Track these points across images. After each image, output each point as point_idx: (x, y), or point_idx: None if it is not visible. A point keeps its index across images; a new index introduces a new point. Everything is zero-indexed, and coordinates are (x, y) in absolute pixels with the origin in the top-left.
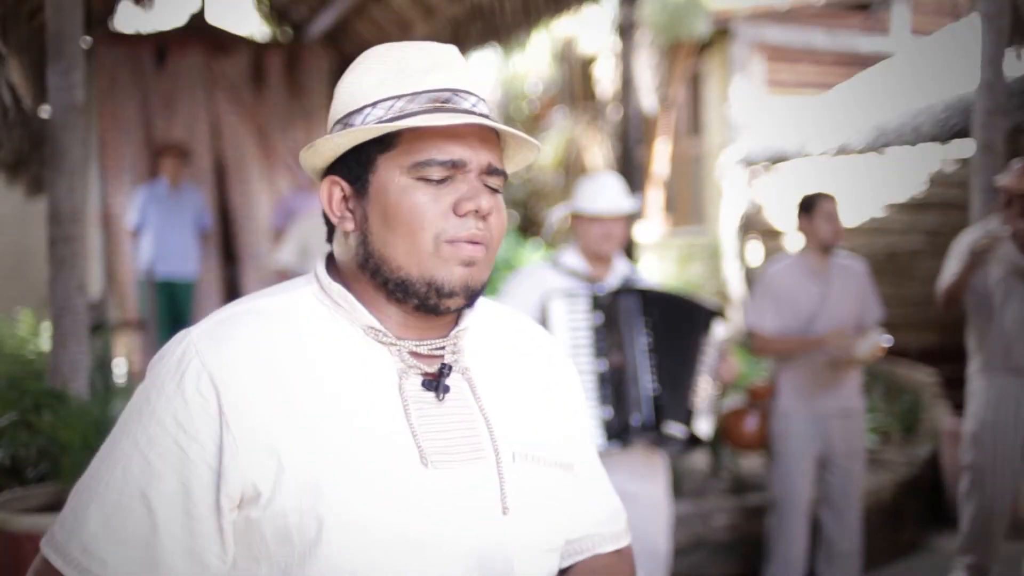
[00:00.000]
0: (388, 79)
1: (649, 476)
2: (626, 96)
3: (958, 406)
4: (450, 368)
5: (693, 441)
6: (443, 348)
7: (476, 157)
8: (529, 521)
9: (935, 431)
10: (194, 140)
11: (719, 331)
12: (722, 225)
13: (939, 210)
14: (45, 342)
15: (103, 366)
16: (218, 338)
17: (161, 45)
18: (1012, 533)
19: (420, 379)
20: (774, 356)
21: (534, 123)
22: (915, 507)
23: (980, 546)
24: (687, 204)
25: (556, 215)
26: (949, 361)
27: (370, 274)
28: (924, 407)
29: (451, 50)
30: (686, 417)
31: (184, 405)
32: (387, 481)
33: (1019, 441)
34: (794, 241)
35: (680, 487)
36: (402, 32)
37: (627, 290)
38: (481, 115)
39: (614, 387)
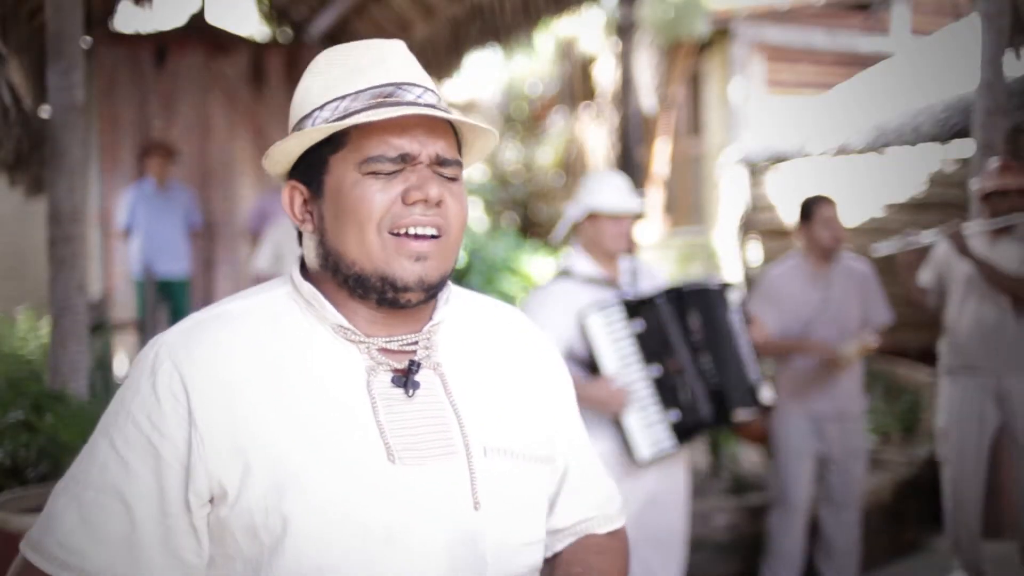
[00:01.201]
0: (335, 81)
1: (674, 474)
2: (626, 96)
3: None
4: (419, 364)
5: (763, 410)
6: (416, 344)
7: (424, 149)
8: (503, 516)
9: (935, 431)
10: (190, 140)
11: (736, 300)
12: (720, 225)
13: (939, 210)
14: (45, 342)
15: (103, 366)
16: (189, 341)
17: (161, 45)
18: (1005, 533)
19: (390, 376)
20: (772, 356)
21: (534, 123)
22: (915, 507)
23: (961, 544)
24: (687, 204)
25: (573, 214)
26: None
27: (331, 272)
28: (924, 407)
29: (395, 45)
30: (751, 396)
31: (157, 405)
32: (353, 478)
33: (985, 440)
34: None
35: None
36: (402, 32)
37: (661, 292)
38: (427, 105)
39: (675, 389)
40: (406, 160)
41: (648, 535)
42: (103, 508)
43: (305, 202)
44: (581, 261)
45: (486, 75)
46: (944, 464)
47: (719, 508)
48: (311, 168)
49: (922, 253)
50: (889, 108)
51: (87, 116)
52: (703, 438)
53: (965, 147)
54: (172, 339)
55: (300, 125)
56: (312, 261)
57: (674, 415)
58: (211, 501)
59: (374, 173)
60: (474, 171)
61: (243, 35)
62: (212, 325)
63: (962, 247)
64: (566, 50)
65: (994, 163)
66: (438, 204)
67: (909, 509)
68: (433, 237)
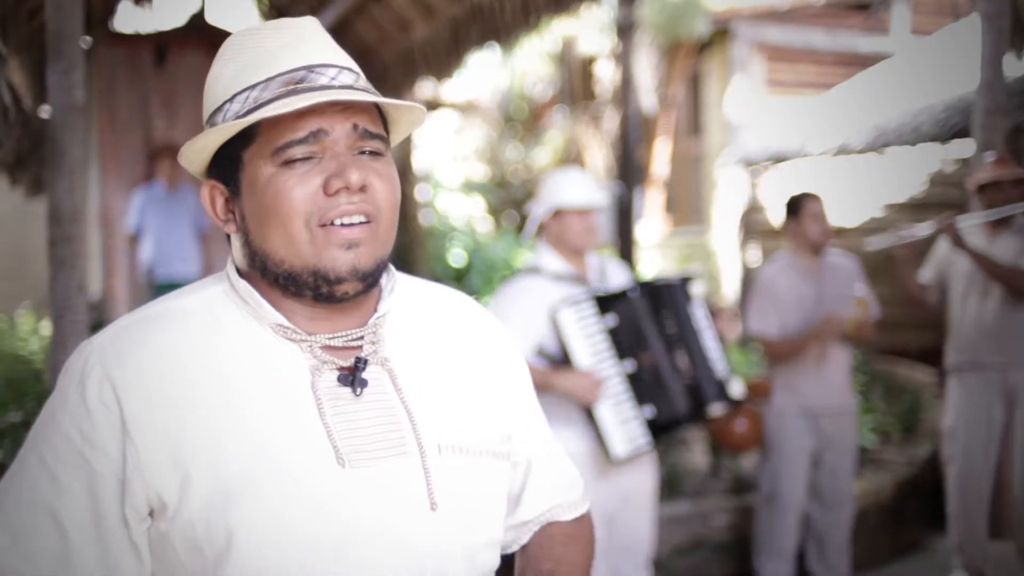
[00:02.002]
0: (244, 69)
1: (645, 472)
2: (626, 96)
3: None
4: (366, 361)
5: (734, 404)
6: (361, 339)
7: (339, 125)
8: (461, 515)
9: (935, 431)
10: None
11: (698, 293)
12: (720, 225)
13: (939, 210)
14: (45, 342)
15: None
16: (120, 345)
17: (161, 45)
18: (1006, 533)
19: (335, 375)
20: (785, 359)
21: (534, 123)
22: (915, 507)
23: (965, 543)
24: (687, 204)
25: (540, 211)
26: None
27: (260, 272)
28: (924, 407)
29: (306, 23)
30: (722, 391)
31: (87, 415)
32: (300, 484)
33: (993, 438)
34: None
35: (680, 487)
36: (402, 32)
37: (632, 287)
38: (342, 88)
39: (650, 386)
40: (316, 139)
41: (620, 536)
42: (35, 530)
43: (227, 201)
44: (549, 258)
45: (486, 75)
46: (949, 463)
47: (719, 508)
48: (227, 165)
49: (920, 248)
50: (889, 108)
51: (87, 116)
52: (702, 439)
53: (965, 147)
54: (102, 343)
55: (212, 120)
56: (240, 261)
57: (649, 411)
58: (151, 515)
59: (288, 163)
60: (474, 172)
61: None
62: (144, 327)
63: (956, 239)
64: (566, 50)
65: (988, 157)
66: (363, 189)
67: (909, 509)
68: (363, 223)
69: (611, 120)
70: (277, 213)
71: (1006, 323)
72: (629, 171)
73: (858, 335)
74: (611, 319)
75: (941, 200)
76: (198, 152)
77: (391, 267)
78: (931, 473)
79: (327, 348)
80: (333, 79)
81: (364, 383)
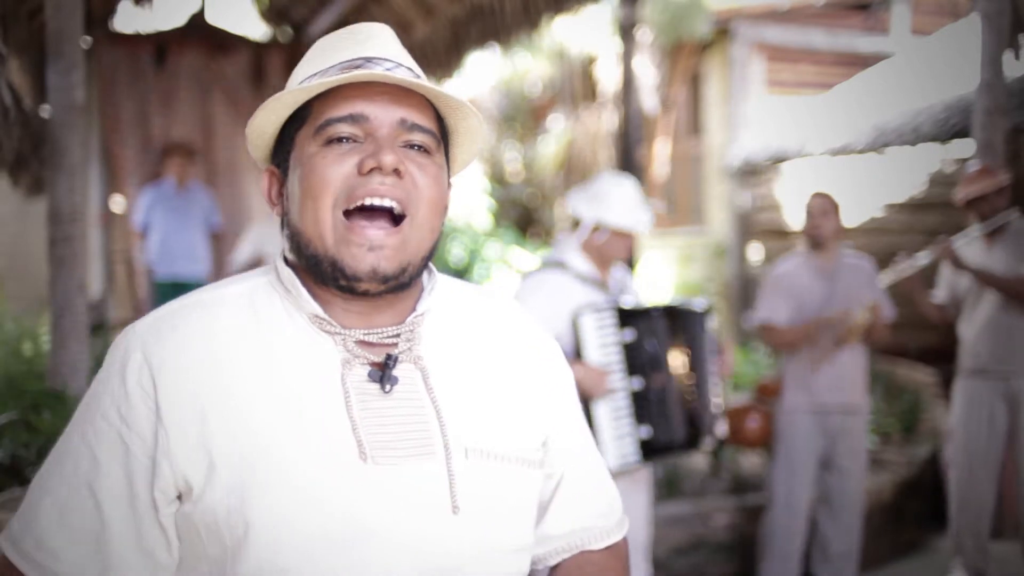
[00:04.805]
0: (311, 62)
1: (639, 481)
2: (626, 96)
3: None
4: (396, 358)
5: (717, 442)
6: (397, 336)
7: (384, 113)
8: (484, 521)
9: (935, 431)
10: (192, 140)
11: (712, 327)
12: (720, 225)
13: (939, 210)
14: (45, 342)
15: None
16: (161, 331)
17: (161, 45)
18: (1008, 533)
19: (366, 370)
20: (787, 346)
21: (534, 123)
22: (915, 507)
23: (966, 544)
24: (687, 204)
25: (588, 219)
26: (949, 361)
27: (297, 255)
28: (924, 407)
29: (377, 26)
30: (713, 426)
31: (126, 398)
32: (321, 477)
33: (995, 442)
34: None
35: (680, 487)
36: (402, 32)
37: (656, 307)
38: (388, 72)
39: (653, 406)
40: (356, 121)
41: None
42: (77, 505)
43: (280, 184)
44: (577, 258)
45: (486, 75)
46: (951, 465)
47: (719, 508)
48: (282, 149)
49: (926, 273)
50: (889, 108)
51: (87, 116)
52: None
53: (965, 147)
54: (144, 328)
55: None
56: (285, 247)
57: (645, 431)
58: (179, 498)
59: (330, 142)
60: (474, 171)
61: (243, 35)
62: (185, 314)
63: (955, 261)
64: (566, 50)
65: (970, 168)
66: (397, 173)
67: (909, 509)
68: (392, 218)
69: (612, 120)
70: (311, 188)
71: (1010, 331)
72: (629, 171)
73: (869, 336)
74: (629, 334)
75: (941, 200)
76: (260, 134)
77: (432, 267)
78: (931, 473)
79: (362, 343)
80: (388, 70)
81: (394, 380)
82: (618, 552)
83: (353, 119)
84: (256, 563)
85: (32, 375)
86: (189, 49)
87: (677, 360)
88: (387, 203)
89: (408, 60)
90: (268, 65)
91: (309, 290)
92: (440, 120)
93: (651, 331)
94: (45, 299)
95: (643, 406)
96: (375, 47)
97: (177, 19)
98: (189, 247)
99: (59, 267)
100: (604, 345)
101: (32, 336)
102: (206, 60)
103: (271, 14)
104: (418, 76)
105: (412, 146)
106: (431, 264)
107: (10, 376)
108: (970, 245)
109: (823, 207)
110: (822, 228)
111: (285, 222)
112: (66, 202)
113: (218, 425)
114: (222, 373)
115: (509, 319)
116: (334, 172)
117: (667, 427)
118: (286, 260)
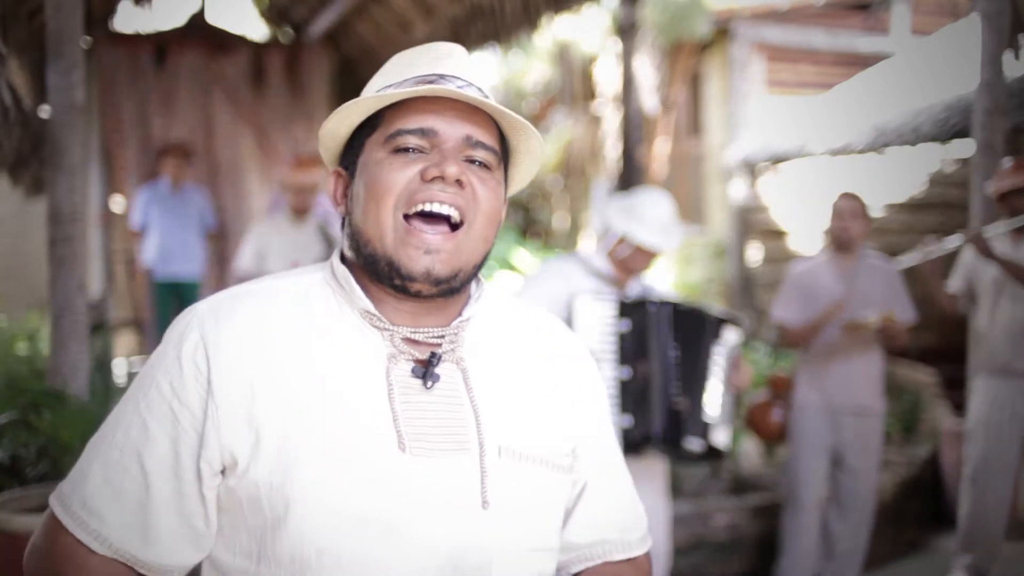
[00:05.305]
0: (385, 75)
1: (648, 478)
2: (626, 96)
3: (958, 406)
4: (440, 357)
5: (712, 453)
6: (442, 337)
7: (451, 128)
8: (512, 518)
9: (935, 431)
10: (192, 140)
11: (731, 338)
12: (720, 225)
13: (939, 210)
14: (45, 342)
15: (103, 366)
16: (220, 314)
17: (161, 45)
18: (1013, 533)
19: (410, 365)
20: (802, 344)
21: (534, 123)
22: (915, 507)
23: (977, 544)
24: (687, 204)
25: (617, 229)
26: (949, 361)
27: (355, 253)
28: (924, 407)
29: (453, 46)
30: (703, 430)
31: (180, 373)
32: (360, 463)
33: (1015, 441)
34: (797, 241)
35: (680, 487)
36: (402, 32)
37: (657, 301)
38: (459, 90)
39: (636, 396)
40: (426, 135)
41: None
42: (124, 470)
43: (346, 186)
44: (599, 258)
45: (486, 75)
46: (966, 462)
47: (719, 508)
48: (352, 153)
49: (946, 259)
50: (889, 108)
51: (87, 116)
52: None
53: (965, 147)
54: (205, 310)
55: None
56: (345, 246)
57: (627, 420)
58: (223, 472)
59: (398, 150)
60: None
61: (243, 35)
62: (244, 300)
63: (985, 250)
64: (566, 50)
65: (1007, 163)
66: (459, 183)
67: (909, 509)
68: (450, 225)
69: (612, 120)
70: (375, 191)
71: None
72: (629, 171)
73: (886, 339)
74: (625, 324)
75: (941, 200)
76: (333, 137)
77: (480, 278)
78: (931, 473)
79: (408, 341)
80: (459, 88)
81: (436, 377)
82: (640, 567)
83: (423, 132)
84: (293, 540)
85: (32, 375)
86: (189, 49)
87: (670, 353)
88: (446, 210)
89: (479, 80)
90: (268, 65)
91: (363, 288)
92: (503, 139)
93: (644, 321)
94: (45, 299)
95: (627, 395)
96: (449, 65)
97: (177, 19)
98: (185, 247)
99: (59, 267)
100: (598, 331)
101: (32, 336)
102: (206, 60)
103: (271, 14)
104: (486, 96)
105: (474, 161)
106: (480, 274)
107: (10, 376)
108: (996, 239)
109: (853, 209)
110: (851, 230)
111: (347, 221)
112: (66, 202)
113: (266, 405)
114: (273, 358)
115: (549, 332)
116: (398, 177)
117: (646, 417)
118: (343, 258)
